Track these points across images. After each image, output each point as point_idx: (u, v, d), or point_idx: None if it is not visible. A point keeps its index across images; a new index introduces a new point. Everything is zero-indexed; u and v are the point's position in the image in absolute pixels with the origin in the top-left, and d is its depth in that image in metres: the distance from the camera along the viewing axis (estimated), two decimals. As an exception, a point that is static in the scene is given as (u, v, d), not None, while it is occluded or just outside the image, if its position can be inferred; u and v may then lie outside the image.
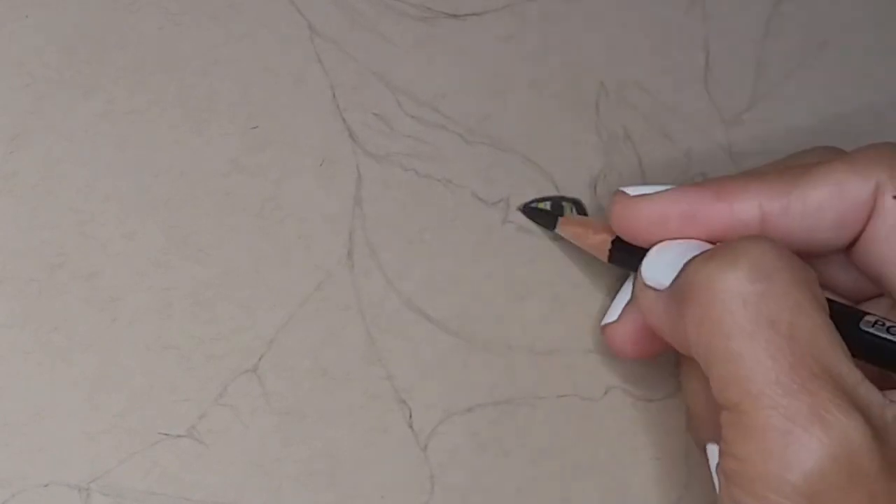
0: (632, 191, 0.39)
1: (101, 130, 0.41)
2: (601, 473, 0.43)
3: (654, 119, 0.45)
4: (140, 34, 0.41)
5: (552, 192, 0.44)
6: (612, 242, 0.40)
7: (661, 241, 0.39)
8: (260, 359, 0.41)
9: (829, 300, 0.36)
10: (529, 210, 0.43)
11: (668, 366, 0.44)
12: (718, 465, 0.36)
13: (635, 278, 0.39)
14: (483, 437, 0.42)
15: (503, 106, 0.44)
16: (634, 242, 0.40)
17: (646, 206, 0.39)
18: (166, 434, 0.40)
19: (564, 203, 0.44)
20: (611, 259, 0.41)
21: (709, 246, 0.38)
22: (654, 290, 0.38)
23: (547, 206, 0.43)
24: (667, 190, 0.39)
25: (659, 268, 0.38)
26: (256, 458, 0.40)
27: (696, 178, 0.45)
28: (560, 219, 0.43)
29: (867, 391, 0.34)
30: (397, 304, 0.42)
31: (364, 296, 0.42)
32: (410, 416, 0.42)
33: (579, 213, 0.44)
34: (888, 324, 0.36)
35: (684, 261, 0.36)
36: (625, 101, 0.44)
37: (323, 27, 0.43)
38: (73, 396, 0.39)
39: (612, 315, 0.41)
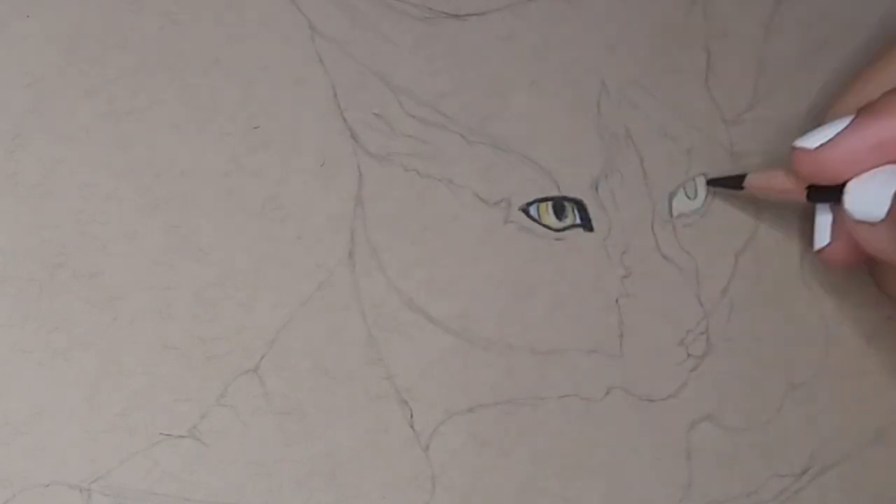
0: (809, 142, 0.41)
1: (101, 130, 0.41)
2: (601, 473, 0.43)
3: (655, 119, 0.45)
4: (141, 34, 0.41)
5: (553, 192, 0.43)
6: (808, 187, 0.42)
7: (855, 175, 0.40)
8: (261, 359, 0.41)
9: None
10: (714, 181, 0.45)
11: (668, 366, 0.44)
12: None
13: (833, 207, 0.42)
14: (484, 437, 0.42)
15: (504, 106, 0.44)
16: (829, 184, 0.41)
17: (832, 153, 0.40)
18: (167, 434, 0.40)
19: (566, 203, 0.44)
20: (809, 198, 0.42)
21: None
22: (868, 223, 0.39)
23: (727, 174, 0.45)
24: (845, 128, 0.40)
25: (865, 202, 0.39)
26: (257, 458, 0.40)
27: (697, 177, 0.45)
28: (748, 176, 0.44)
29: None
30: (398, 303, 0.42)
31: (365, 296, 0.42)
32: (411, 416, 0.42)
33: (581, 214, 0.44)
34: None
35: (890, 190, 0.38)
36: (626, 101, 0.44)
37: (324, 27, 0.43)
38: (74, 396, 0.39)
39: (823, 239, 0.43)
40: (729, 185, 0.44)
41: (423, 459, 0.42)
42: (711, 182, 0.45)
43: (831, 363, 0.46)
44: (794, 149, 0.41)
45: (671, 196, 0.44)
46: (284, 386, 0.41)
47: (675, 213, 0.45)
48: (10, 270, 0.39)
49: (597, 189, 0.44)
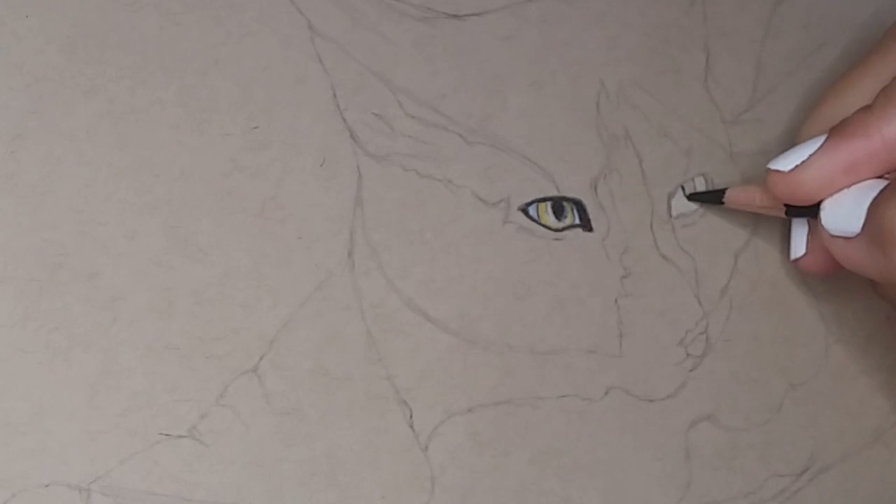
0: (783, 165, 0.41)
1: (101, 130, 0.41)
2: (601, 473, 0.43)
3: (654, 119, 0.45)
4: (140, 34, 0.41)
5: (552, 193, 0.43)
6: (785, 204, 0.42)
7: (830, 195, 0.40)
8: (260, 359, 0.41)
9: None
10: (695, 196, 0.45)
11: (667, 366, 0.44)
12: None
13: (809, 222, 0.42)
14: (483, 438, 0.42)
15: (503, 106, 0.44)
16: (804, 204, 0.41)
17: (807, 176, 0.40)
18: (167, 434, 0.40)
19: (565, 203, 0.44)
20: (787, 214, 0.43)
21: (880, 183, 0.39)
22: (843, 238, 0.39)
23: (700, 185, 0.45)
24: (818, 150, 0.40)
25: (840, 217, 0.40)
26: (257, 459, 0.40)
27: (696, 177, 0.45)
28: (728, 192, 0.44)
29: None
30: (398, 304, 0.42)
31: (365, 296, 0.42)
32: (411, 417, 0.42)
33: (580, 214, 0.44)
34: None
35: (865, 205, 0.39)
36: (625, 101, 0.44)
37: (323, 27, 0.43)
38: (74, 396, 0.39)
39: (799, 250, 0.43)
40: (709, 199, 0.45)
41: (423, 460, 0.42)
42: (692, 197, 0.45)
43: (831, 363, 0.46)
44: (769, 171, 0.41)
45: (670, 196, 0.44)
46: (284, 386, 0.41)
47: (674, 213, 0.45)
48: (10, 270, 0.40)
49: (596, 189, 0.44)
